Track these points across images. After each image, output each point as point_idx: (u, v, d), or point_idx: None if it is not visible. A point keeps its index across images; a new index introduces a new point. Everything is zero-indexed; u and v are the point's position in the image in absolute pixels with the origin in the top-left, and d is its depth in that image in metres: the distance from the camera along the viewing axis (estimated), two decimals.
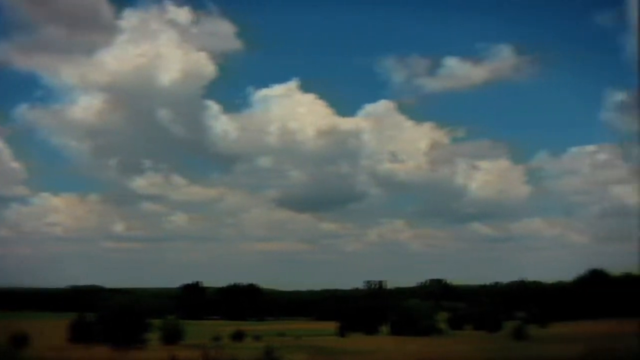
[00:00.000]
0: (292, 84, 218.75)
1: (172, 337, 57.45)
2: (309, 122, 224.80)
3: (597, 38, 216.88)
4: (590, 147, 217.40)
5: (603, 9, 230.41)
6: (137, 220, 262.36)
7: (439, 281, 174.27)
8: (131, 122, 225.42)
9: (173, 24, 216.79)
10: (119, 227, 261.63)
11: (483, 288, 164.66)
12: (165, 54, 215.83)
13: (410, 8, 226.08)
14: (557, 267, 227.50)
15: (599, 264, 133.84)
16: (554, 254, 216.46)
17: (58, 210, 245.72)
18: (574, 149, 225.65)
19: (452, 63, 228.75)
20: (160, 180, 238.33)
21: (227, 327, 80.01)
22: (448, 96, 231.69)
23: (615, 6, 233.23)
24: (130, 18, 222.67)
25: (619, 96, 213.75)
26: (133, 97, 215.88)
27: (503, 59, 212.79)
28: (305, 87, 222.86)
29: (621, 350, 39.91)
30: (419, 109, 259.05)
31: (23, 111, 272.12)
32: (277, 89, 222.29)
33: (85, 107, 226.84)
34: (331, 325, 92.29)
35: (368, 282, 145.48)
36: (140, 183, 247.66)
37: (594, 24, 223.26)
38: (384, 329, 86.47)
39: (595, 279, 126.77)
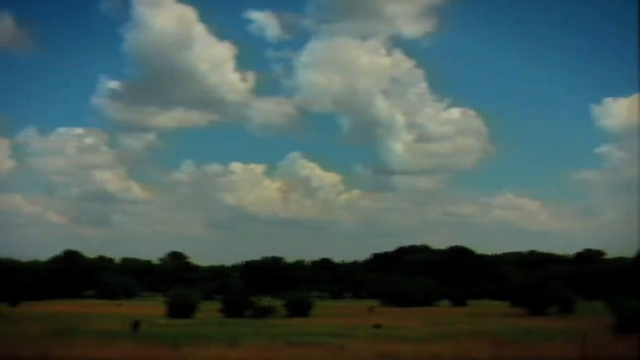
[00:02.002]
0: None
1: None
2: None
3: (100, 26, 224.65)
4: (78, 130, 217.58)
5: None
6: None
7: None
8: None
9: None
10: None
11: None
12: None
13: None
14: (34, 246, 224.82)
15: (75, 246, 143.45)
16: (32, 231, 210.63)
17: None
18: (62, 130, 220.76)
19: None
20: None
21: None
22: None
23: None
24: None
25: (111, 84, 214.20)
26: None
27: (2, 29, 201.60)
28: None
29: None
30: None
31: None
32: None
33: None
34: None
35: None
36: None
37: (99, 12, 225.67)
38: None
39: (69, 260, 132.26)
